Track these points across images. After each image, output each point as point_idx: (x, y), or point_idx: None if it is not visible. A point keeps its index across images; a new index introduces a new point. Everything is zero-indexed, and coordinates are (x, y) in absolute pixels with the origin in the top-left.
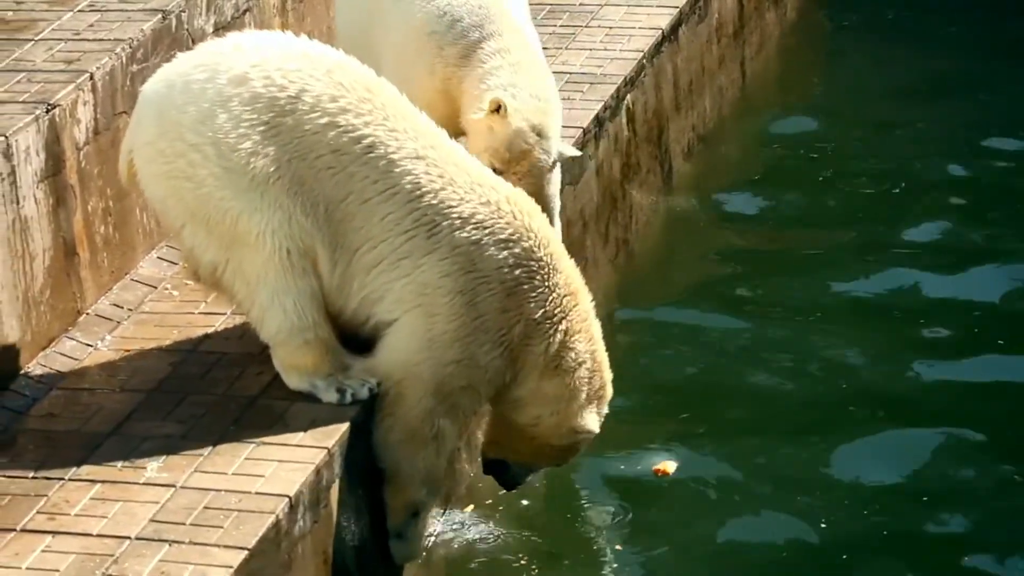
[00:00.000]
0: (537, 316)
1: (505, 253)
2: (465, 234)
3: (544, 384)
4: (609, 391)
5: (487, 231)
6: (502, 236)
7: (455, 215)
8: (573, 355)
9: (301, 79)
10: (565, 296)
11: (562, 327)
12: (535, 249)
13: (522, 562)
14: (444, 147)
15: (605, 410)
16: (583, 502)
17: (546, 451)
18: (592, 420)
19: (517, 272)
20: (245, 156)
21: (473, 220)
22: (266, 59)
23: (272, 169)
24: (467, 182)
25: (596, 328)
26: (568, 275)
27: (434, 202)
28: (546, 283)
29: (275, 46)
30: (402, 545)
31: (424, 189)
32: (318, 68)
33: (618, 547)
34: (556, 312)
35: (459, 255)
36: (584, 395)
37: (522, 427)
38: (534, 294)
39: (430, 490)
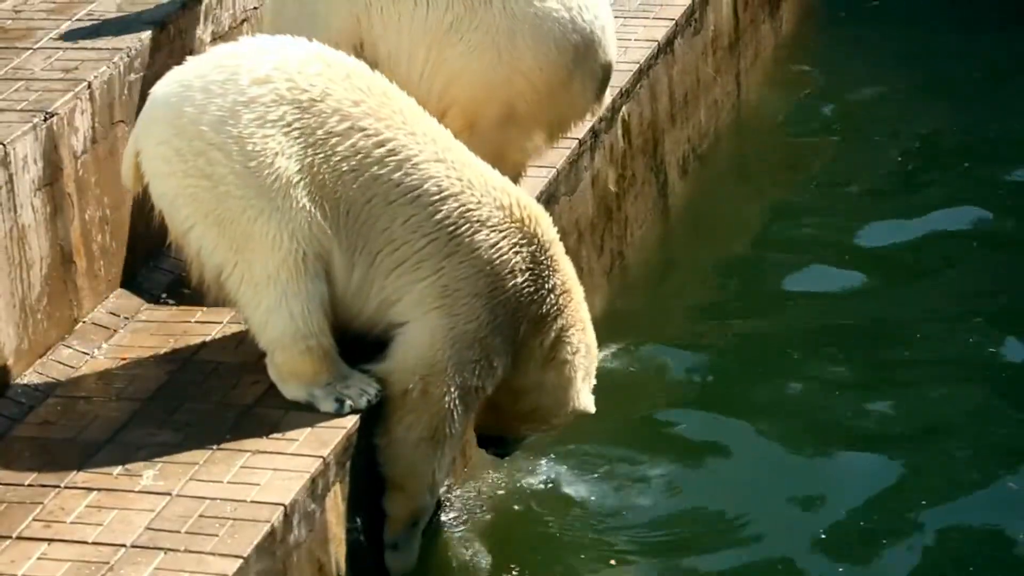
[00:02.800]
0: (537, 316)
1: (518, 258)
2: (483, 237)
3: (544, 376)
4: (595, 361)
5: (503, 235)
6: (515, 240)
7: (474, 218)
8: (569, 347)
9: (322, 83)
10: (561, 295)
11: (558, 324)
12: (539, 253)
13: (515, 567)
14: (457, 149)
15: (593, 382)
16: (575, 509)
17: (544, 428)
18: (588, 400)
19: (526, 275)
20: (270, 156)
21: (490, 223)
22: (286, 61)
23: (296, 170)
24: (482, 184)
25: (587, 315)
26: (565, 274)
27: (455, 205)
28: (545, 285)
29: (291, 49)
30: (398, 556)
31: (446, 192)
32: (337, 72)
33: (612, 562)
34: (552, 310)
35: (477, 258)
36: (580, 379)
37: (523, 413)
38: (536, 296)
39: (432, 496)
